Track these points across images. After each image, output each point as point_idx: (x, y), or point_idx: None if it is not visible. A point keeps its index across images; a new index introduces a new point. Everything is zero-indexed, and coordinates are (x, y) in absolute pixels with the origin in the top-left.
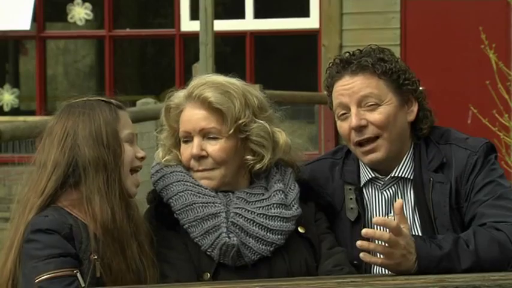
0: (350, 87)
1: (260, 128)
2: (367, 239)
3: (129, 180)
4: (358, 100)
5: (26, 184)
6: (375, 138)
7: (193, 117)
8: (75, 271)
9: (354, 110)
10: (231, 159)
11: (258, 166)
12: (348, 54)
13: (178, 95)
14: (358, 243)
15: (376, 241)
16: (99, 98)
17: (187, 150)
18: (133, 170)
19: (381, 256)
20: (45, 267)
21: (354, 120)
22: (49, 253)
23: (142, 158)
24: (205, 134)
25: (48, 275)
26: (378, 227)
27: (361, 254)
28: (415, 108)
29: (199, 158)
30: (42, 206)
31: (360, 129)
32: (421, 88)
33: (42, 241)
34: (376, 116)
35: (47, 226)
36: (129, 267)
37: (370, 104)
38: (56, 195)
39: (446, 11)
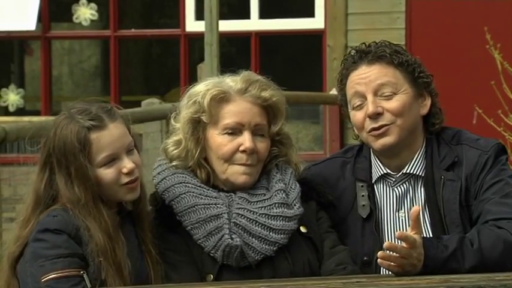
0: (367, 75)
1: (287, 132)
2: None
3: (120, 192)
4: (374, 88)
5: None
6: (389, 124)
7: (250, 110)
8: (81, 272)
9: (370, 97)
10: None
11: (281, 159)
12: (363, 46)
13: (224, 86)
14: (380, 254)
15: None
16: (79, 116)
17: (234, 143)
18: (126, 184)
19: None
20: (52, 267)
21: (370, 108)
22: (56, 253)
23: (128, 173)
24: (255, 130)
25: (55, 275)
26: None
27: (379, 261)
28: (428, 102)
29: (252, 152)
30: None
31: (375, 116)
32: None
33: (50, 241)
34: (393, 103)
35: (55, 226)
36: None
37: (386, 93)
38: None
39: (451, 11)
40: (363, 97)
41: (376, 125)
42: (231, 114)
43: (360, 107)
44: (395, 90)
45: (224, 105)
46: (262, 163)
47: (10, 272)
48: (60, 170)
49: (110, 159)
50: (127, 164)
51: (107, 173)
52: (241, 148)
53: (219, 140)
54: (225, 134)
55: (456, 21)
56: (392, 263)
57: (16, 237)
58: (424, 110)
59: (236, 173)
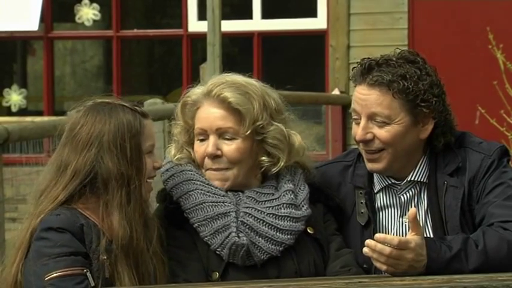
0: (365, 98)
1: (277, 131)
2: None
3: (146, 187)
4: (368, 114)
5: (41, 183)
6: (380, 150)
7: (211, 115)
8: (85, 270)
9: (362, 122)
10: (245, 160)
11: (273, 169)
12: (372, 61)
13: (196, 92)
14: (365, 249)
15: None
16: (125, 104)
17: (202, 148)
18: (149, 178)
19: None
20: (56, 265)
21: (359, 133)
22: (60, 251)
23: (158, 168)
24: (221, 134)
25: (59, 273)
26: (392, 234)
27: (364, 250)
28: (430, 126)
29: (214, 157)
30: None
31: (365, 142)
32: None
33: (53, 239)
34: (383, 133)
35: (58, 224)
36: (140, 281)
37: (379, 120)
38: (70, 201)
39: (453, 11)
40: (360, 115)
41: (366, 148)
42: (198, 120)
43: (356, 122)
44: (389, 120)
45: (196, 111)
46: (240, 166)
47: (28, 243)
48: (113, 148)
49: (152, 149)
50: (158, 159)
51: (148, 162)
52: (205, 153)
53: (195, 147)
54: (197, 140)
55: (459, 21)
56: (379, 261)
57: (40, 211)
58: (424, 134)
59: (210, 178)
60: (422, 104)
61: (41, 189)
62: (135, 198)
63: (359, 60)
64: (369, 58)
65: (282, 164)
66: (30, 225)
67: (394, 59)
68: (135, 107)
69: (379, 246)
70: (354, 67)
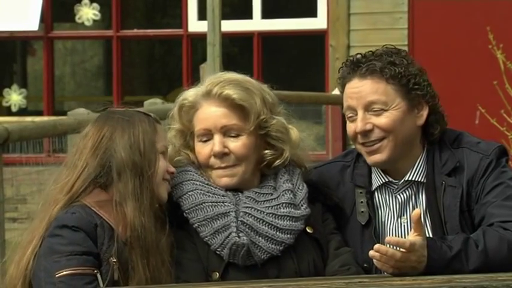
0: (358, 91)
1: (279, 124)
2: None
3: (162, 187)
4: (365, 105)
5: (54, 183)
6: (380, 139)
7: (213, 114)
8: (95, 271)
9: (360, 114)
10: (251, 156)
11: (278, 162)
12: (359, 55)
13: (192, 94)
14: (371, 253)
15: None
16: (138, 109)
17: (206, 149)
18: (165, 180)
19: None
20: (67, 263)
21: (359, 125)
22: (72, 250)
23: (172, 173)
24: (226, 131)
25: (70, 271)
26: (390, 234)
27: (374, 261)
28: (424, 112)
29: (222, 155)
30: (68, 203)
31: (365, 133)
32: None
33: (66, 237)
34: (382, 120)
35: (73, 223)
36: (151, 275)
37: (376, 109)
38: (85, 193)
39: (453, 11)
40: (355, 111)
41: (366, 140)
42: (199, 121)
43: (352, 119)
44: (386, 106)
45: (195, 113)
46: (247, 162)
47: (43, 232)
48: (126, 140)
49: (165, 149)
50: (171, 166)
51: (162, 161)
52: (212, 152)
53: (197, 148)
54: (200, 141)
55: (459, 21)
56: (386, 264)
57: (55, 200)
58: (421, 121)
59: (217, 177)
60: (416, 87)
61: (53, 187)
62: (146, 190)
63: (344, 62)
64: (353, 55)
65: (287, 155)
66: (46, 217)
67: (380, 51)
68: (148, 112)
69: (391, 251)
70: (340, 68)
